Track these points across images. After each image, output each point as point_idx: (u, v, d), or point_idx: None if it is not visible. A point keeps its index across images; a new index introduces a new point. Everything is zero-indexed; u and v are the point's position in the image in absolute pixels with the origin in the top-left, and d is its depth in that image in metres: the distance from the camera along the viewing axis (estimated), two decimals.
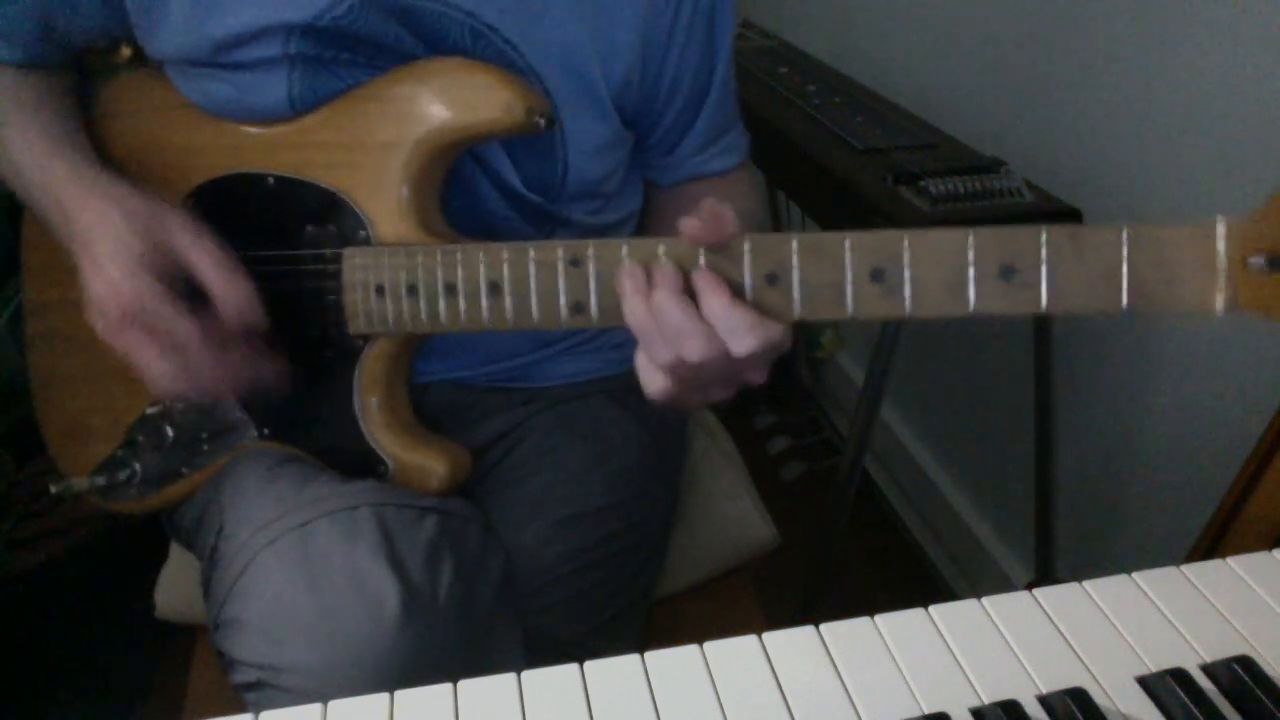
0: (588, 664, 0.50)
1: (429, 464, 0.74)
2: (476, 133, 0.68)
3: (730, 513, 0.94)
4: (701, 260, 0.57)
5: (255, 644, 0.65)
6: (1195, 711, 0.47)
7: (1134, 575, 0.56)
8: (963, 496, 1.67)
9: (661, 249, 0.58)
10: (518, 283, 0.63)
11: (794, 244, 0.55)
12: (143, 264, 0.64)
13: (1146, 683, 0.50)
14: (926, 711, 0.48)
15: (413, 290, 0.67)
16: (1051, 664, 0.50)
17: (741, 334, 0.55)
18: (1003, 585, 1.52)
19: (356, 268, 0.69)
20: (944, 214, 1.05)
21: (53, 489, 0.81)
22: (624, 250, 0.59)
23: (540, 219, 0.79)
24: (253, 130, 0.72)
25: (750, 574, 0.97)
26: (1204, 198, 1.07)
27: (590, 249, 0.60)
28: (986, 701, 0.48)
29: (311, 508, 0.68)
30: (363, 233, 0.70)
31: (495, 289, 0.64)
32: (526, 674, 0.50)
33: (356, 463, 0.74)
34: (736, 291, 0.56)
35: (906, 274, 0.53)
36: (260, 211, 0.72)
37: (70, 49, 0.76)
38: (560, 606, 0.77)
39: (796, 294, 0.56)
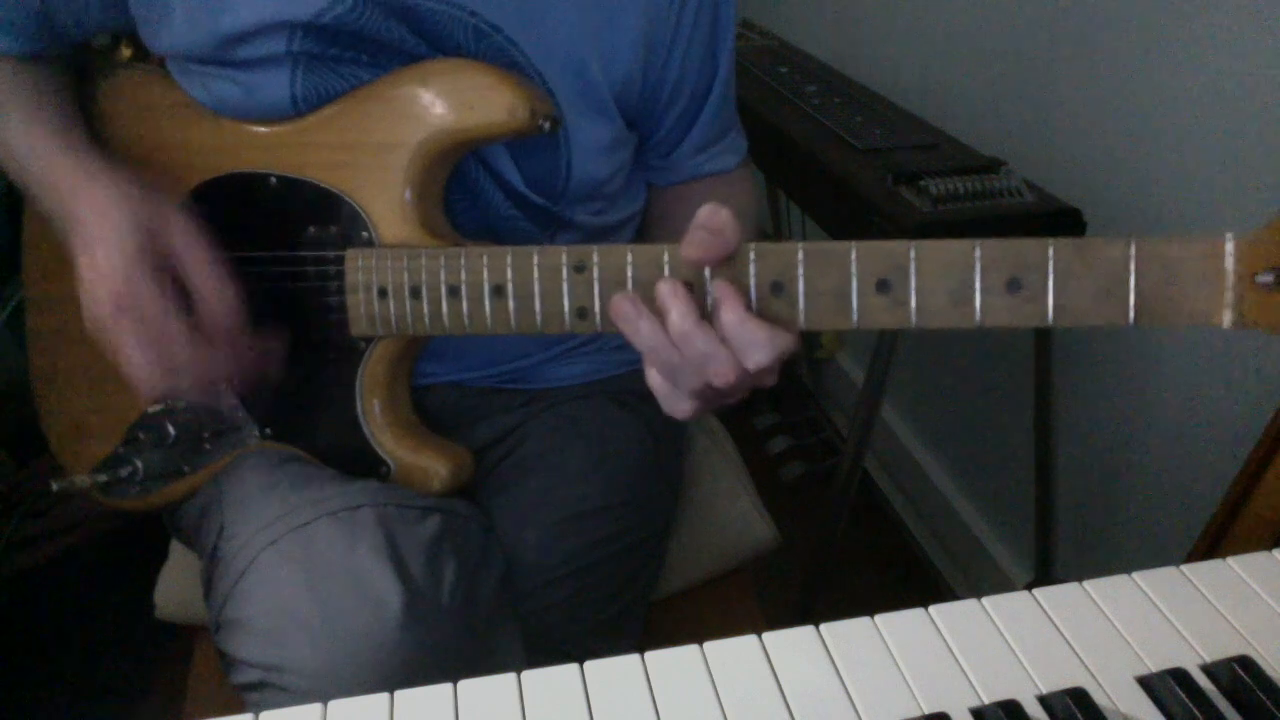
0: (588, 664, 0.50)
1: (431, 465, 0.74)
2: (480, 134, 0.68)
3: (730, 513, 0.94)
4: (707, 271, 0.57)
5: (256, 644, 0.65)
6: (1195, 711, 0.47)
7: (1134, 575, 0.56)
8: (963, 496, 1.67)
9: (666, 255, 0.58)
10: (521, 287, 0.63)
11: (799, 253, 0.55)
12: (137, 256, 0.63)
13: (1146, 683, 0.50)
14: (926, 711, 0.48)
15: (415, 292, 0.67)
16: (1051, 664, 0.51)
17: (758, 348, 0.54)
18: (1003, 585, 1.52)
19: (359, 269, 0.69)
20: (944, 214, 1.05)
21: (54, 486, 0.81)
22: (628, 257, 0.59)
23: (543, 220, 0.79)
24: (255, 129, 0.72)
25: (750, 574, 0.97)
26: (1204, 197, 1.07)
27: (595, 254, 0.60)
28: (986, 701, 0.48)
29: (313, 508, 0.68)
30: (365, 234, 0.70)
31: (499, 292, 0.64)
32: (526, 674, 0.50)
33: (358, 463, 0.74)
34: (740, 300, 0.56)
35: (913, 285, 0.53)
36: (262, 211, 0.72)
37: (70, 42, 0.76)
38: (560, 606, 0.77)
39: (801, 304, 0.55)
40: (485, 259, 0.64)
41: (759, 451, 1.92)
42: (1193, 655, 0.51)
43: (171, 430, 0.78)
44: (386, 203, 0.69)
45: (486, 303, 0.64)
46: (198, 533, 0.78)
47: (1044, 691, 0.49)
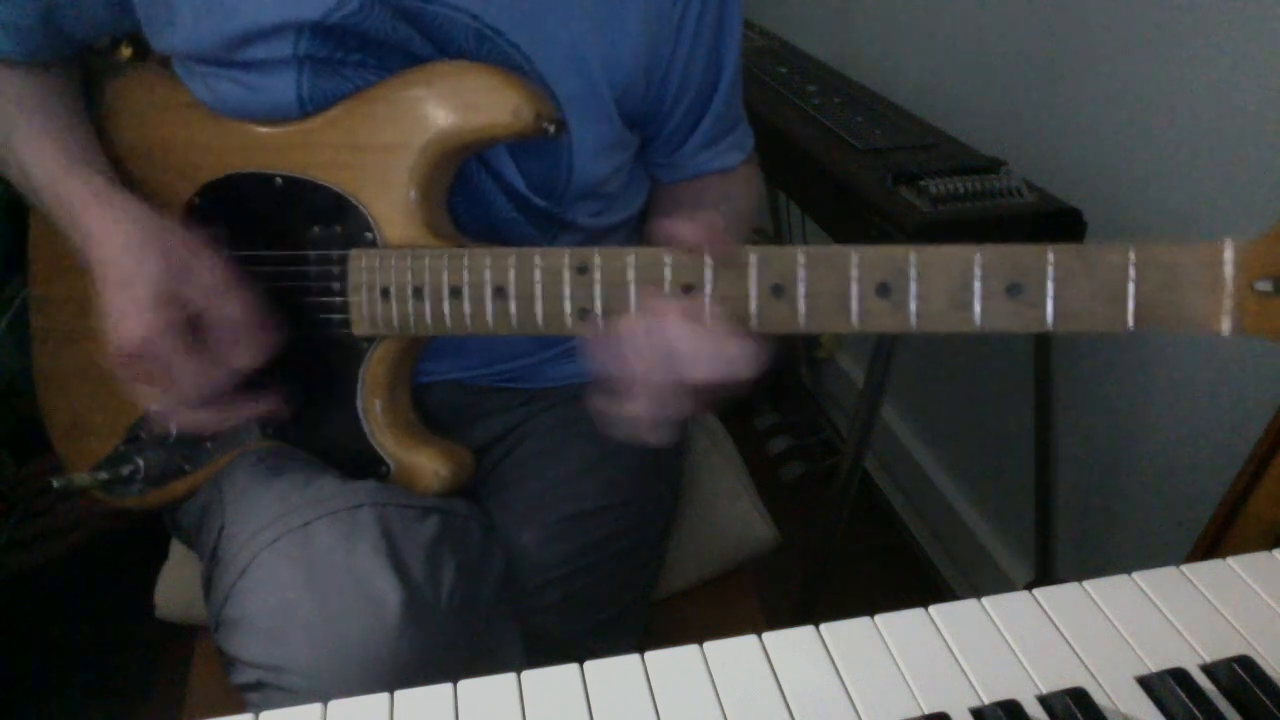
0: (588, 664, 0.50)
1: (431, 465, 0.74)
2: (485, 136, 0.68)
3: (730, 513, 0.94)
4: (707, 274, 0.57)
5: (256, 643, 0.65)
6: (1195, 711, 0.47)
7: (1134, 575, 0.56)
8: (963, 496, 1.67)
9: (667, 258, 0.58)
10: (523, 288, 0.63)
11: (801, 256, 0.55)
12: (164, 303, 0.63)
13: (1146, 683, 0.50)
14: (926, 711, 0.48)
15: (418, 293, 0.67)
16: (1051, 664, 0.51)
17: (704, 361, 0.56)
18: (1003, 585, 1.52)
19: (362, 269, 0.69)
20: (944, 214, 1.05)
21: (55, 483, 0.81)
22: (630, 259, 0.59)
23: (545, 221, 0.79)
24: (260, 130, 0.72)
25: (750, 574, 0.97)
26: (1204, 197, 1.07)
27: (597, 256, 0.60)
28: (986, 701, 0.48)
29: (313, 507, 0.68)
30: (369, 234, 0.70)
31: (501, 293, 0.64)
32: (526, 674, 0.50)
33: (358, 463, 0.74)
34: (741, 303, 0.56)
35: (913, 289, 0.53)
36: (266, 211, 0.72)
37: (73, 44, 0.76)
38: (560, 606, 0.77)
39: (802, 306, 0.56)
40: (488, 260, 0.64)
41: (759, 451, 1.92)
42: (1193, 655, 0.51)
43: (173, 429, 0.78)
44: (391, 203, 0.69)
45: (489, 303, 0.64)
46: (198, 532, 0.78)
47: (1044, 691, 0.49)
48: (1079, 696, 0.48)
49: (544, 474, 0.81)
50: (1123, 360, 1.24)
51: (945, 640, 0.52)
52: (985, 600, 0.54)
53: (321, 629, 0.63)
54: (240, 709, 0.49)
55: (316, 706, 0.49)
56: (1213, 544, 0.87)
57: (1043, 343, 1.23)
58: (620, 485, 0.81)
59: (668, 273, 0.58)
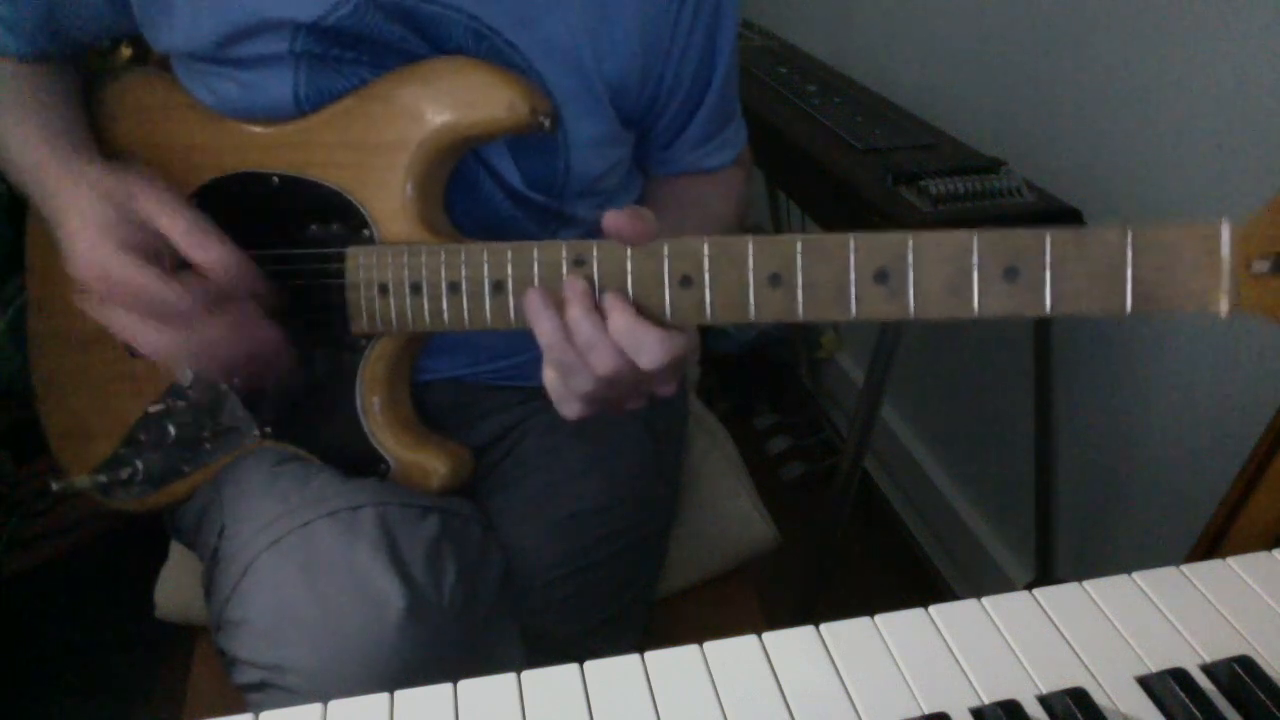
0: (588, 664, 0.50)
1: (430, 463, 0.74)
2: (480, 132, 0.68)
3: (730, 513, 0.94)
4: (706, 264, 0.57)
5: (257, 644, 0.65)
6: (1195, 711, 0.47)
7: (1134, 575, 0.56)
8: (963, 496, 1.67)
9: (666, 249, 0.58)
10: (521, 282, 0.63)
11: (798, 245, 0.55)
12: (109, 235, 0.63)
13: (1146, 683, 0.50)
14: (926, 711, 0.48)
15: (416, 289, 0.67)
16: (1051, 664, 0.51)
17: (648, 349, 0.57)
18: (1003, 585, 1.52)
19: (360, 267, 0.69)
20: (944, 214, 1.05)
21: (54, 486, 0.81)
22: (628, 250, 0.59)
23: (544, 217, 0.79)
24: (257, 129, 0.72)
25: (750, 574, 0.97)
26: (1204, 196, 1.07)
27: (595, 249, 0.60)
28: (986, 701, 0.48)
29: (313, 507, 0.68)
30: (366, 232, 0.70)
31: (499, 288, 0.64)
32: (526, 674, 0.50)
33: (358, 462, 0.74)
34: (739, 293, 0.56)
35: (910, 275, 0.53)
36: (264, 210, 0.72)
37: (75, 44, 0.76)
38: (560, 606, 0.77)
39: (800, 295, 0.56)
40: (485, 254, 0.64)
41: (759, 451, 1.92)
42: (1193, 655, 0.51)
43: (171, 430, 0.78)
44: (388, 201, 0.69)
45: (487, 298, 0.64)
46: (198, 533, 0.78)
47: (1044, 691, 0.49)
48: (1079, 696, 0.48)
49: (544, 473, 0.81)
50: (1123, 361, 1.24)
51: (945, 640, 0.52)
52: (985, 600, 0.54)
53: (322, 629, 0.63)
54: (241, 709, 0.49)
55: (316, 706, 0.49)
56: (1213, 544, 0.86)
57: (1043, 343, 1.23)
58: (620, 484, 0.81)
59: (666, 263, 0.58)
